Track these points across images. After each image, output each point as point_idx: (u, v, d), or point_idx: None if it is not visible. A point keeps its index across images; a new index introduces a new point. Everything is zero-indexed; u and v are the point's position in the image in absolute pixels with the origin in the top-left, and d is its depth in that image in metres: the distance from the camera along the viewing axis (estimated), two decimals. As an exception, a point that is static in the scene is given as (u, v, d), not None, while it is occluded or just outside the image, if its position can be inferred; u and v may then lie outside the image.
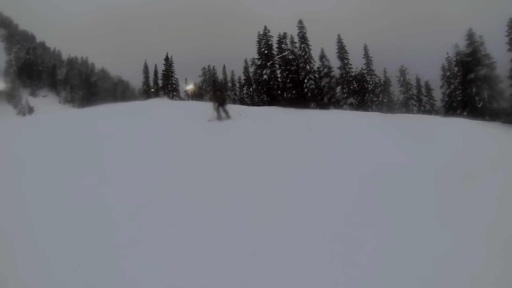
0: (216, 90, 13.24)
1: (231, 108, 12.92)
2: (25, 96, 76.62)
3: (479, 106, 29.09)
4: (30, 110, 70.42)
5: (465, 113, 29.15)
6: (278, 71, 34.08)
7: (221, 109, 12.07)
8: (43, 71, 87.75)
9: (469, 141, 8.20)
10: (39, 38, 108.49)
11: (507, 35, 27.33)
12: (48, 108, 65.61)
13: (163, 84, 44.56)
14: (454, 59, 33.52)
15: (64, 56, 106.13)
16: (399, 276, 2.97)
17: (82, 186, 5.30)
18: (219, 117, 11.92)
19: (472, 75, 29.93)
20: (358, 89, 33.63)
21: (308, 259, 3.17)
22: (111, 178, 5.69)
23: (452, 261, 3.23)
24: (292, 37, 34.49)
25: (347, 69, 33.81)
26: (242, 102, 38.20)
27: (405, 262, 3.17)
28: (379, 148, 7.01)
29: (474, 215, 4.16)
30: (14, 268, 3.09)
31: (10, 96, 72.91)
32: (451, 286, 2.93)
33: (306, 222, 3.86)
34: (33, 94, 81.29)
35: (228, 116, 12.09)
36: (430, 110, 35.25)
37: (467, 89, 30.86)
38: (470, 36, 31.07)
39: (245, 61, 41.96)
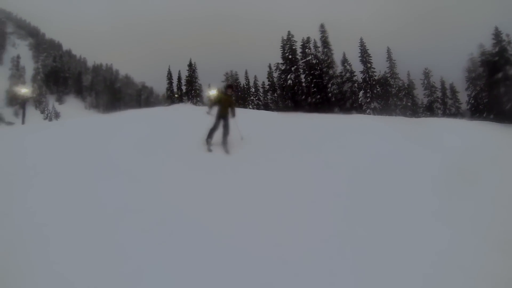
0: (229, 87, 9.16)
1: (248, 113, 10.96)
2: (52, 102, 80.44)
3: (506, 108, 28.68)
4: (57, 115, 73.98)
5: (491, 116, 28.59)
6: (302, 76, 34.26)
7: (221, 123, 8.23)
8: (69, 78, 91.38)
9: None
10: (65, 46, 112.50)
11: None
12: (74, 113, 68.02)
13: (187, 89, 45.58)
14: (479, 59, 32.51)
15: (90, 63, 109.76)
16: (404, 273, 3.35)
17: (109, 189, 5.39)
18: (209, 142, 8.03)
19: (499, 75, 29.26)
20: (382, 93, 33.39)
21: (321, 260, 3.57)
22: (137, 182, 5.84)
23: (453, 259, 3.55)
24: (315, 41, 34.74)
25: (370, 73, 33.71)
26: (266, 107, 38.83)
27: (410, 260, 3.55)
28: (390, 153, 7.35)
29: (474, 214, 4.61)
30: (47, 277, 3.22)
31: (38, 102, 76.68)
32: (452, 284, 3.18)
33: (321, 224, 4.40)
34: (59, 100, 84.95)
35: (225, 140, 8.17)
36: (456, 113, 34.45)
37: (494, 90, 30.23)
38: (497, 35, 30.35)
39: (269, 67, 42.22)
